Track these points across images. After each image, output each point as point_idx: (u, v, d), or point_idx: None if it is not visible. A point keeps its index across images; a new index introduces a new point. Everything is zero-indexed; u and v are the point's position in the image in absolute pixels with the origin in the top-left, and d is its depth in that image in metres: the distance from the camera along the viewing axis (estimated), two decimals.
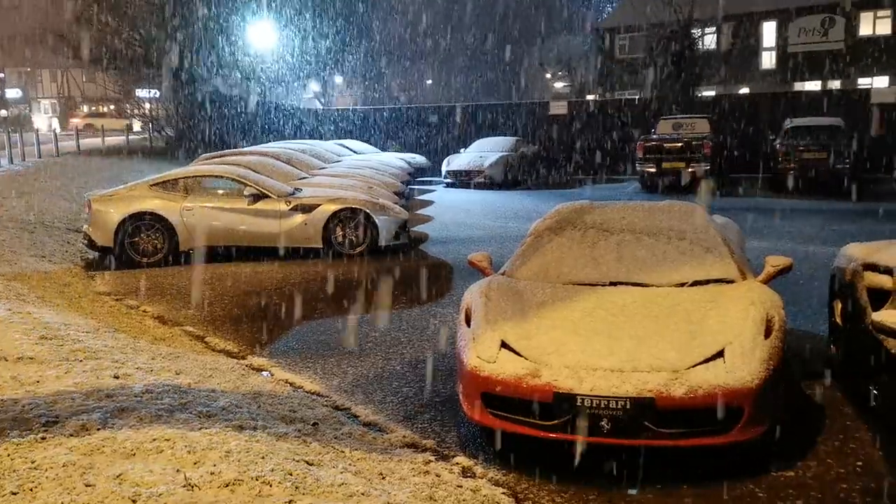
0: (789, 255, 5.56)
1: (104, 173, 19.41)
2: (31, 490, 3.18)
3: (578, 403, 4.04)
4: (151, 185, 11.09)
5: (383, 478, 3.85)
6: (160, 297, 8.87)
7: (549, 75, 60.79)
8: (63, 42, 30.82)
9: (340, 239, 10.96)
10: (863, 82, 30.93)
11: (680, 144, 18.74)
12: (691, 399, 3.97)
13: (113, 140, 27.77)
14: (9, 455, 3.49)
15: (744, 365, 4.09)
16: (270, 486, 3.38)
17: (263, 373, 6.08)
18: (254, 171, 12.13)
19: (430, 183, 22.62)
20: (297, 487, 3.41)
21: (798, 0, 32.32)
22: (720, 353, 4.18)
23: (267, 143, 22.25)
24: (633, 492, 4.00)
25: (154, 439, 3.78)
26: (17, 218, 12.42)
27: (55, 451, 3.55)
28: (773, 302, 4.66)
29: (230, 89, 28.65)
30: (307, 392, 5.58)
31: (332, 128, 29.09)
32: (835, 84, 31.57)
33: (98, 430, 3.86)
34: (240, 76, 29.16)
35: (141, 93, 33.03)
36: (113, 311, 8.19)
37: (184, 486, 3.26)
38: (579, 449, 4.13)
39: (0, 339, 5.66)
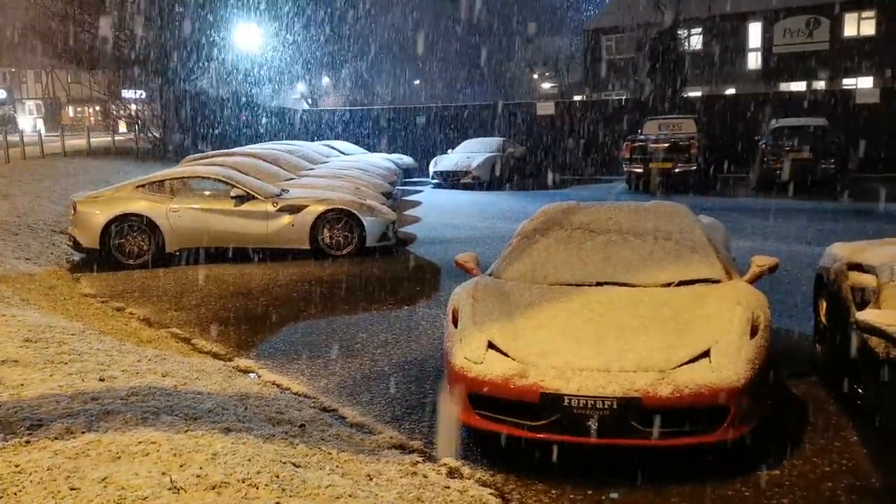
0: (775, 255, 5.60)
1: (89, 175, 19.29)
2: (14, 494, 3.15)
3: (565, 404, 4.04)
4: (137, 187, 11.04)
5: (370, 479, 3.84)
6: (146, 298, 8.82)
7: (536, 76, 60.99)
8: (47, 42, 30.61)
9: (328, 240, 10.94)
10: (847, 83, 31.16)
11: (666, 145, 18.82)
12: (678, 398, 3.98)
13: (98, 141, 27.62)
14: None
15: (730, 364, 4.11)
16: (257, 488, 3.36)
17: (250, 375, 6.06)
18: (240, 172, 12.08)
19: (418, 184, 22.62)
20: (283, 489, 3.39)
21: (783, 1, 32.53)
22: (706, 353, 4.20)
23: (254, 144, 22.18)
24: (614, 496, 4.00)
25: (140, 442, 3.75)
26: (1, 220, 12.32)
27: (39, 454, 3.52)
28: (759, 301, 4.69)
29: (216, 90, 28.54)
30: (294, 394, 5.57)
31: (319, 128, 29.03)
32: (819, 84, 31.80)
33: (83, 433, 3.83)
34: (226, 77, 29.05)
35: (127, 94, 32.84)
36: (98, 313, 8.14)
37: (169, 489, 3.24)
38: (567, 449, 4.13)
39: None
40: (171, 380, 5.21)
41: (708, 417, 4.04)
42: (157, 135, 28.66)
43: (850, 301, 5.12)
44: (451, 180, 21.32)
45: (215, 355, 6.62)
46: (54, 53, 30.74)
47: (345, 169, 16.62)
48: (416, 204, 17.65)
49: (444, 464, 4.29)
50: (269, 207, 10.93)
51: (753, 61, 34.88)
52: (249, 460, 3.65)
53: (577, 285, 5.16)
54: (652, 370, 4.09)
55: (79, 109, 61.14)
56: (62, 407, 4.23)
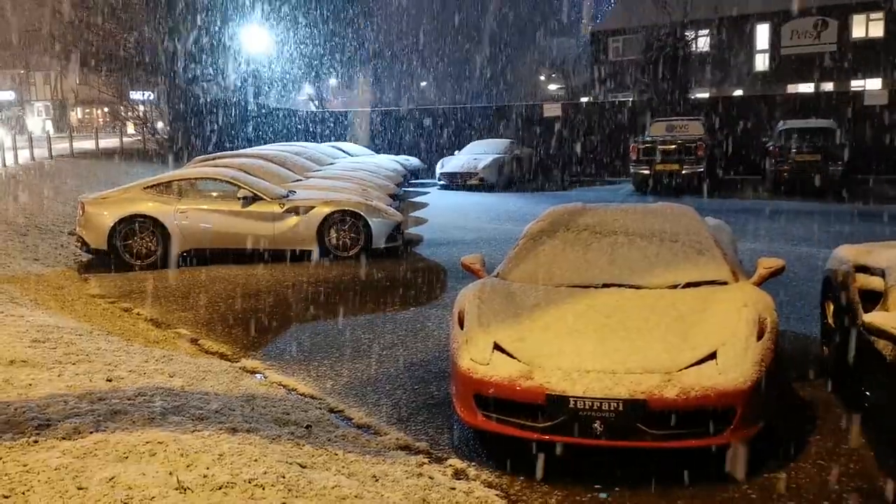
0: (782, 257, 5.59)
1: (97, 176, 19.37)
2: (22, 493, 3.17)
3: (571, 405, 4.04)
4: (145, 188, 11.07)
5: (377, 480, 3.85)
6: (154, 299, 8.85)
7: (543, 77, 60.96)
8: (57, 44, 30.72)
9: (334, 241, 10.95)
10: (855, 84, 31.05)
11: (673, 146, 18.79)
12: (684, 400, 3.97)
13: (107, 142, 27.72)
14: (0, 458, 3.48)
15: (736, 366, 4.10)
16: (263, 488, 3.38)
17: (257, 375, 6.08)
18: (248, 173, 12.11)
19: (425, 185, 22.62)
20: (290, 490, 3.40)
21: (791, 2, 32.45)
22: (713, 355, 4.19)
23: (261, 145, 22.22)
24: (619, 497, 4.00)
25: (147, 442, 3.77)
26: (10, 221, 12.39)
27: (47, 454, 3.54)
28: (766, 303, 4.68)
29: (224, 91, 28.59)
30: (301, 395, 5.58)
31: (325, 130, 29.06)
32: (827, 86, 31.69)
33: (91, 433, 3.85)
34: (234, 78, 29.11)
35: (135, 95, 32.95)
36: (106, 313, 8.17)
37: (176, 489, 3.26)
38: (572, 451, 4.13)
39: None
40: (179, 380, 5.23)
41: (714, 419, 4.03)
42: (165, 136, 28.74)
43: (857, 303, 5.11)
44: (457, 182, 21.31)
45: (222, 356, 6.65)
46: (64, 55, 30.83)
47: (351, 170, 16.64)
48: (422, 205, 17.65)
49: (450, 465, 4.30)
50: (276, 209, 10.95)
51: (761, 63, 34.79)
52: (256, 461, 3.67)
53: (584, 287, 5.16)
54: (658, 372, 4.08)
55: (87, 111, 61.30)
56: (70, 407, 4.26)
